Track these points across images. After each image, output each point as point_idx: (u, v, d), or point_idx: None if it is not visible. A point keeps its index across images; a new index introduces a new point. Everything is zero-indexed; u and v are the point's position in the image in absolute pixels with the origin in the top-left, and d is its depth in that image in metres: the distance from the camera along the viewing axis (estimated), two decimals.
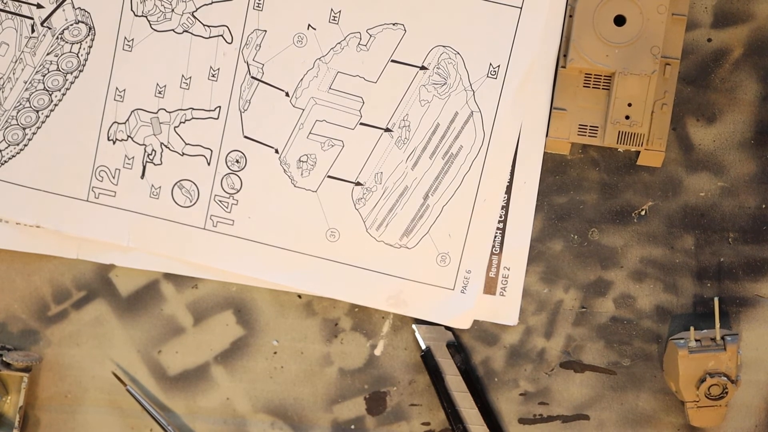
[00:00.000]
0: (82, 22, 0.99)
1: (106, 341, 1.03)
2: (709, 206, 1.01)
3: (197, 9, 0.99)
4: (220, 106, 1.00)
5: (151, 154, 1.00)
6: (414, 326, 1.02)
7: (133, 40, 1.00)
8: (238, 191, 1.00)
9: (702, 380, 0.98)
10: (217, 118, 1.00)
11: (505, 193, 1.00)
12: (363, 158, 1.00)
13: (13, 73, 1.00)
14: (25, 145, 1.00)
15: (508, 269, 1.01)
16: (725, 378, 0.98)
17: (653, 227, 1.01)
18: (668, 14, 0.96)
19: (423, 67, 0.99)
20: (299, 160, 1.00)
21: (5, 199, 1.01)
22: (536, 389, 1.03)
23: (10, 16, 1.00)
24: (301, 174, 1.00)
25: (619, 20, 0.96)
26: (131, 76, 1.00)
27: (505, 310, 1.01)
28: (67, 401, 1.03)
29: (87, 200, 1.01)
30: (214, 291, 1.03)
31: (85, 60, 1.00)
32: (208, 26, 0.99)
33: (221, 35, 0.99)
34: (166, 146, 1.00)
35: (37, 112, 1.00)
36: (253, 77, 0.99)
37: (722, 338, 0.98)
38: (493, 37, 0.98)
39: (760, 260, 1.01)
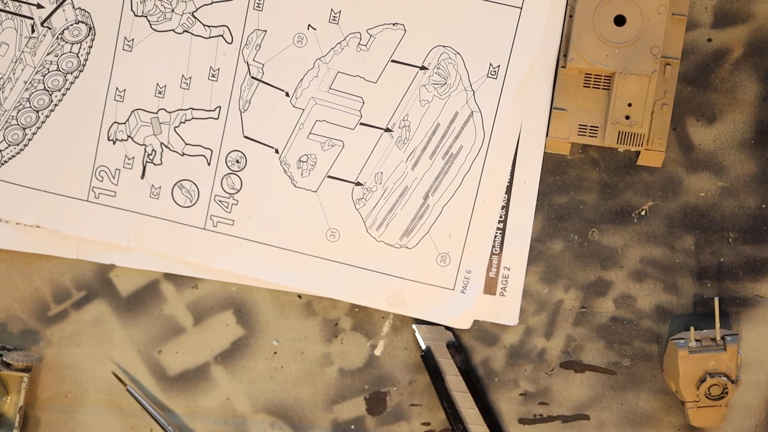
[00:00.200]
0: (82, 22, 0.99)
1: (106, 341, 1.03)
2: (709, 206, 1.01)
3: (197, 9, 0.99)
4: (220, 106, 1.00)
5: (151, 154, 1.00)
6: (414, 326, 1.02)
7: (133, 40, 1.00)
8: (238, 191, 1.00)
9: (702, 380, 0.98)
10: (217, 118, 1.00)
11: (505, 193, 1.00)
12: (363, 158, 1.00)
13: (13, 73, 1.00)
14: (25, 145, 1.00)
15: (508, 269, 1.01)
16: (725, 378, 0.98)
17: (653, 227, 1.01)
18: (668, 14, 0.96)
19: (423, 67, 0.99)
20: (299, 160, 1.00)
21: (5, 199, 1.01)
22: (536, 389, 1.03)
23: (10, 16, 1.00)
24: (301, 174, 1.00)
25: (619, 20, 0.96)
26: (131, 76, 1.00)
27: (505, 310, 1.01)
28: (67, 401, 1.03)
29: (87, 200, 1.01)
30: (214, 291, 1.03)
31: (85, 60, 1.00)
32: (208, 26, 0.99)
33: (221, 35, 0.99)
34: (166, 146, 1.00)
35: (37, 112, 1.00)
36: (253, 77, 0.99)
37: (722, 338, 0.98)
38: (493, 37, 0.98)
39: (760, 260, 1.01)
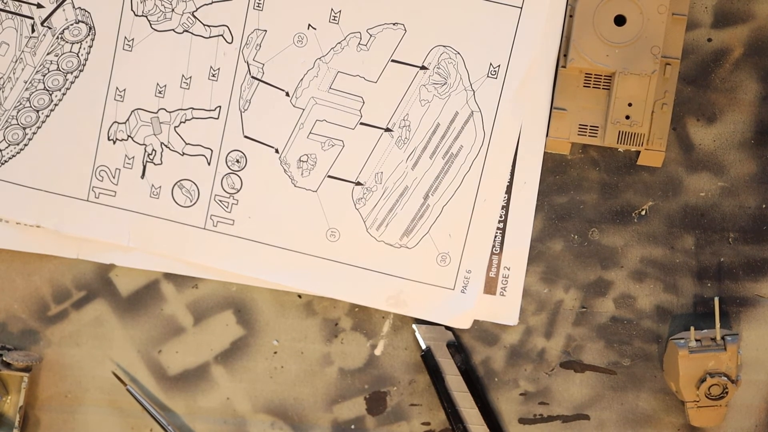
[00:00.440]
0: (83, 22, 0.99)
1: (106, 341, 1.03)
2: (709, 206, 1.01)
3: (197, 9, 0.99)
4: (220, 106, 1.00)
5: (151, 154, 1.00)
6: (414, 326, 1.02)
7: (133, 39, 1.00)
8: (238, 191, 1.00)
9: (702, 380, 0.98)
10: (217, 118, 1.00)
11: (505, 193, 1.00)
12: (363, 158, 1.00)
13: (14, 73, 1.00)
14: (25, 145, 1.00)
15: (508, 269, 1.01)
16: (725, 378, 0.98)
17: (653, 227, 1.01)
18: (668, 14, 0.96)
19: (423, 67, 0.99)
20: (299, 160, 1.00)
21: (5, 199, 1.01)
22: (536, 389, 1.03)
23: (10, 15, 1.00)
24: (302, 174, 1.00)
25: (620, 20, 0.96)
26: (131, 76, 1.00)
27: (505, 310, 1.01)
28: (67, 401, 1.03)
29: (87, 200, 1.01)
30: (214, 291, 1.03)
31: (86, 60, 1.00)
32: (209, 26, 0.99)
33: (221, 35, 0.99)
34: (166, 146, 1.00)
35: (37, 111, 1.00)
36: (253, 77, 0.99)
37: (722, 338, 0.98)
38: (493, 37, 0.98)
39: (760, 260, 1.01)
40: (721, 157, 1.01)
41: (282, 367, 1.03)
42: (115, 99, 1.00)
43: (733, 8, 1.00)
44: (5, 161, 1.01)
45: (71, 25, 0.99)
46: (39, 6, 0.99)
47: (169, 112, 1.00)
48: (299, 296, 1.02)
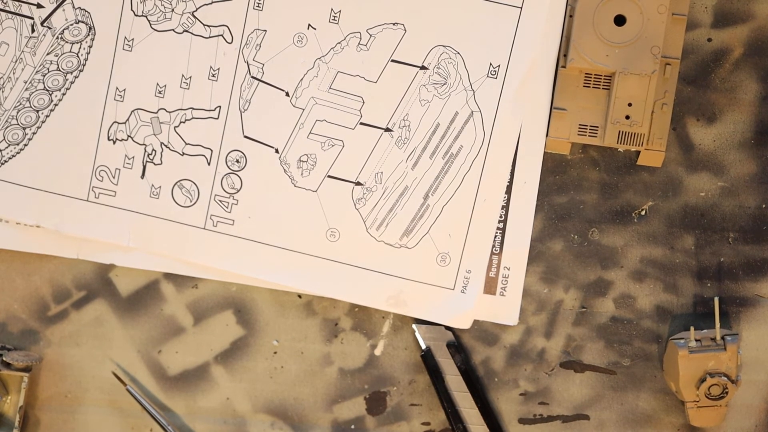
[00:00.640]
0: (82, 22, 0.99)
1: (106, 341, 1.03)
2: (709, 206, 1.01)
3: (197, 9, 0.99)
4: (220, 106, 1.00)
5: (151, 154, 1.00)
6: (414, 326, 1.02)
7: (133, 39, 1.00)
8: (238, 191, 1.00)
9: (702, 380, 0.98)
10: (217, 118, 1.00)
11: (505, 193, 1.00)
12: (363, 158, 1.00)
13: (13, 73, 1.00)
14: (25, 145, 1.00)
15: (508, 269, 1.01)
16: (725, 378, 0.98)
17: (653, 227, 1.01)
18: (668, 14, 0.96)
19: (423, 67, 0.99)
20: (299, 160, 1.00)
21: (5, 199, 1.01)
22: (536, 389, 1.03)
23: (10, 15, 1.00)
24: (301, 174, 1.00)
25: (619, 20, 0.96)
26: (131, 76, 1.00)
27: (505, 310, 1.01)
28: (67, 401, 1.03)
29: (87, 200, 1.01)
30: (214, 291, 1.03)
31: (85, 60, 1.00)
32: (208, 26, 0.99)
33: (221, 35, 0.99)
34: (166, 146, 1.00)
35: (37, 111, 1.00)
36: (253, 77, 0.99)
37: (722, 338, 0.98)
38: (493, 37, 0.98)
39: (760, 260, 1.01)
40: (721, 157, 1.01)
41: (282, 367, 1.03)
42: (115, 99, 1.00)
43: (733, 8, 1.00)
44: (5, 161, 1.01)
45: (71, 25, 0.99)
46: (39, 6, 0.99)
47: (169, 112, 1.00)
48: (299, 296, 1.02)
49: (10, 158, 1.01)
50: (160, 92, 1.00)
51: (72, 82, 1.00)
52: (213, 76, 1.00)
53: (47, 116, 1.00)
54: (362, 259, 1.00)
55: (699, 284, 1.01)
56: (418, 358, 1.02)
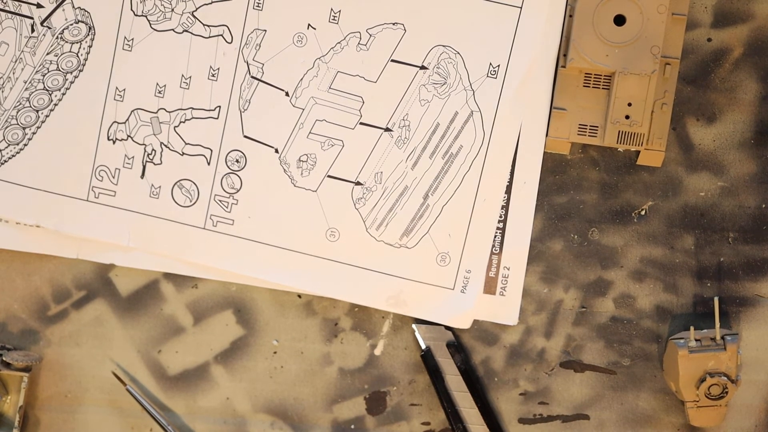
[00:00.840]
0: (82, 22, 0.99)
1: (106, 341, 1.03)
2: (709, 206, 1.01)
3: (197, 9, 0.99)
4: (220, 106, 1.00)
5: (151, 154, 1.00)
6: (414, 326, 1.02)
7: (133, 39, 1.00)
8: (238, 191, 1.00)
9: (702, 380, 0.98)
10: (217, 118, 1.00)
11: (505, 192, 1.00)
12: (363, 158, 1.00)
13: (13, 73, 1.00)
14: (25, 145, 1.00)
15: (508, 269, 1.01)
16: (725, 378, 0.98)
17: (653, 227, 1.01)
18: (668, 14, 0.96)
19: (423, 67, 0.99)
20: (299, 160, 1.00)
21: (5, 199, 1.01)
22: (536, 389, 1.03)
23: (10, 15, 1.00)
24: (301, 174, 1.00)
25: (619, 20, 0.96)
26: (131, 76, 1.00)
27: (505, 309, 1.01)
28: (67, 401, 1.03)
29: (87, 200, 1.01)
30: (214, 291, 1.03)
31: (85, 60, 1.00)
32: (208, 26, 0.99)
33: (221, 35, 0.99)
34: (166, 146, 1.00)
35: (37, 111, 1.00)
36: (253, 77, 0.99)
37: (722, 338, 0.98)
38: (493, 37, 0.98)
39: (760, 260, 1.01)
40: (721, 157, 1.01)
41: (282, 367, 1.03)
42: (114, 99, 1.00)
43: (733, 8, 1.00)
44: (5, 161, 1.01)
45: (71, 25, 0.99)
46: (39, 6, 0.99)
47: (169, 112, 1.00)
48: (299, 296, 1.02)
49: (10, 158, 1.01)
50: (159, 92, 1.00)
51: (72, 82, 1.00)
52: (213, 76, 1.00)
53: (47, 116, 1.00)
54: (362, 259, 1.00)
55: (699, 284, 1.01)
56: (418, 358, 1.02)
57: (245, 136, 1.00)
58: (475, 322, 1.02)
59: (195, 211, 1.01)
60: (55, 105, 1.00)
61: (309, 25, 0.99)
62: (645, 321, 1.02)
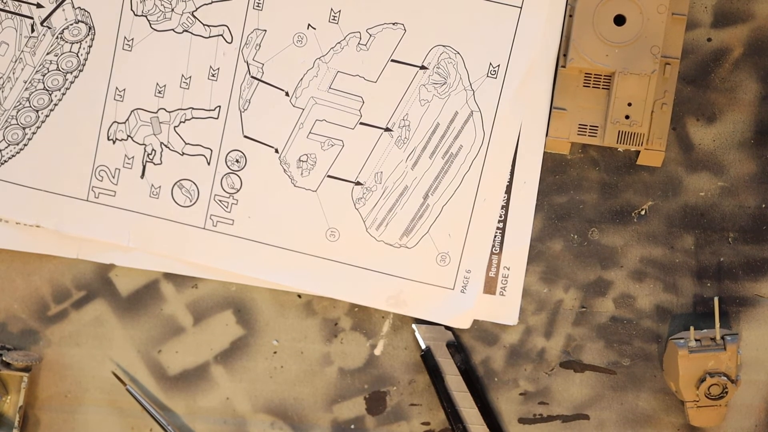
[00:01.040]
0: (82, 22, 0.99)
1: (106, 341, 1.03)
2: (709, 206, 1.01)
3: (197, 9, 0.99)
4: (220, 106, 1.00)
5: (151, 154, 1.00)
6: (414, 326, 1.02)
7: (133, 39, 1.00)
8: (238, 191, 1.00)
9: (702, 380, 0.98)
10: (217, 118, 1.00)
11: (505, 192, 1.00)
12: (363, 158, 1.00)
13: (13, 73, 1.00)
14: (25, 145, 1.00)
15: (508, 269, 1.01)
16: (725, 378, 0.98)
17: (653, 227, 1.01)
18: (668, 14, 0.96)
19: (423, 67, 0.99)
20: (299, 160, 1.00)
21: (5, 199, 1.01)
22: (536, 389, 1.03)
23: (10, 15, 1.00)
24: (301, 174, 1.00)
25: (619, 20, 0.96)
26: (131, 76, 1.00)
27: (505, 309, 1.01)
28: (67, 401, 1.03)
29: (87, 200, 1.01)
30: (214, 291, 1.03)
31: (85, 60, 1.00)
32: (208, 26, 0.99)
33: (221, 35, 0.99)
34: (166, 146, 1.00)
35: (37, 111, 1.00)
36: (253, 77, 0.99)
37: (722, 338, 0.98)
38: (493, 37, 0.98)
39: (760, 260, 1.01)
40: (721, 157, 1.01)
41: (282, 367, 1.03)
42: (114, 99, 1.00)
43: (733, 8, 1.00)
44: (5, 161, 1.01)
45: (71, 24, 0.99)
46: (39, 6, 0.99)
47: (169, 111, 1.00)
48: (299, 296, 1.02)
49: (10, 158, 1.01)
50: (159, 92, 1.00)
51: (72, 82, 1.00)
52: (213, 75, 1.00)
53: (47, 116, 1.00)
54: (362, 259, 1.00)
55: (699, 284, 1.01)
56: (418, 358, 1.02)
57: (245, 136, 1.00)
58: (475, 322, 1.02)
59: (195, 211, 1.01)
60: (55, 105, 1.00)
61: (309, 25, 0.99)
62: (645, 321, 1.02)
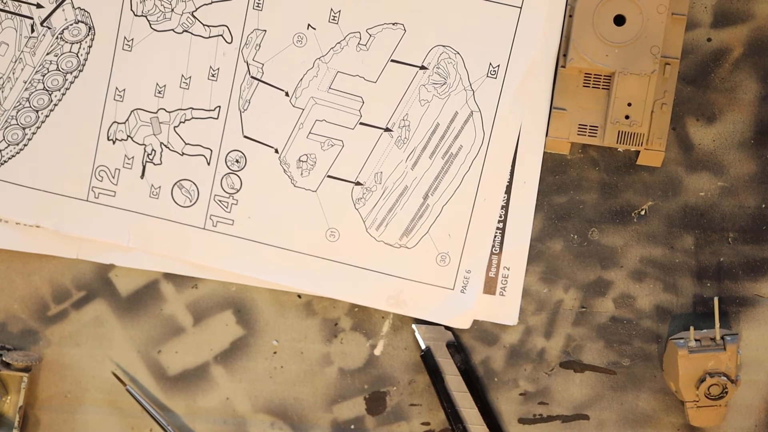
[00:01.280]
0: (82, 22, 0.99)
1: (106, 341, 1.03)
2: (709, 206, 1.01)
3: (197, 9, 0.99)
4: (219, 106, 1.00)
5: (150, 154, 1.00)
6: (414, 326, 1.02)
7: (132, 39, 1.00)
8: (237, 191, 1.00)
9: (702, 380, 0.98)
10: (216, 118, 1.00)
11: (505, 192, 1.00)
12: (363, 158, 1.00)
13: (13, 73, 1.00)
14: (25, 145, 1.00)
15: (508, 269, 1.01)
16: (725, 378, 0.98)
17: (653, 227, 1.01)
18: (668, 14, 0.96)
19: (423, 67, 0.99)
20: (299, 160, 1.00)
21: (5, 199, 1.01)
22: (536, 389, 1.03)
23: (9, 15, 1.00)
24: (301, 174, 1.00)
25: (619, 20, 0.96)
26: (131, 76, 1.00)
27: (504, 310, 1.01)
28: (67, 401, 1.03)
29: (87, 200, 1.01)
30: (214, 291, 1.03)
31: (85, 60, 1.00)
32: (208, 26, 0.99)
33: (221, 35, 0.99)
34: (165, 146, 1.00)
35: (37, 111, 1.00)
36: (252, 77, 0.99)
37: (722, 338, 0.98)
38: (493, 37, 0.98)
39: (760, 260, 1.01)
40: (721, 157, 1.01)
41: (282, 367, 1.03)
42: (114, 99, 1.00)
43: (733, 8, 1.00)
44: (5, 161, 1.01)
45: (71, 25, 0.99)
46: (38, 6, 0.99)
47: (169, 112, 1.00)
48: (299, 296, 1.02)
49: (9, 158, 1.01)
50: (159, 92, 1.00)
51: (72, 82, 1.00)
52: (213, 76, 1.00)
53: (47, 116, 1.00)
54: (362, 259, 1.00)
55: (699, 284, 1.01)
56: (417, 358, 1.02)
57: (245, 136, 1.00)
58: (475, 322, 1.02)
59: (195, 211, 1.01)
60: (55, 105, 1.00)
61: (309, 25, 0.99)
62: (645, 321, 1.02)
